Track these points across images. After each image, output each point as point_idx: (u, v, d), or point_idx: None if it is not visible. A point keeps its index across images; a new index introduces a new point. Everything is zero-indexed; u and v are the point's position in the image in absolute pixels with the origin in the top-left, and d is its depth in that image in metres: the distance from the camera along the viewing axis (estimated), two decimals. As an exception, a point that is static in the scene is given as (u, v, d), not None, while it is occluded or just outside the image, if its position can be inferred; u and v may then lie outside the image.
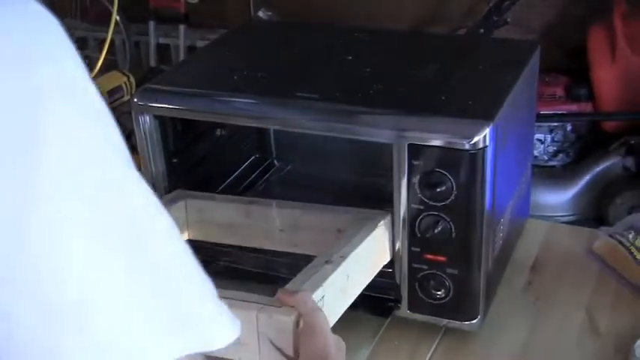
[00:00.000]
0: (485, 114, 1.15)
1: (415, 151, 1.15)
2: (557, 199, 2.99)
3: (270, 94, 1.29)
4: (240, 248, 1.36)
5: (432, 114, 1.18)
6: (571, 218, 2.96)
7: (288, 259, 1.33)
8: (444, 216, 1.18)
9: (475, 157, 1.13)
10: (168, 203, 1.29)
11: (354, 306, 1.31)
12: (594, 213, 2.92)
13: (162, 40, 3.91)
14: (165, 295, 0.62)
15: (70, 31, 0.63)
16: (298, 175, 1.63)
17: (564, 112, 2.95)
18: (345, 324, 1.32)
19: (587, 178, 2.95)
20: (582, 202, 2.96)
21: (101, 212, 0.58)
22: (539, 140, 3.01)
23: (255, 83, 1.33)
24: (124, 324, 0.59)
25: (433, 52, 1.46)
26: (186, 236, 1.34)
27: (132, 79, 1.73)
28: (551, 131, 3.00)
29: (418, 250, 1.23)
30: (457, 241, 1.19)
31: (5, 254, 0.54)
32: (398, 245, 1.24)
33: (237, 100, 1.29)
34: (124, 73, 1.75)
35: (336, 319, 1.11)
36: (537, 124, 2.92)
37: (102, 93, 1.65)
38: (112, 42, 3.30)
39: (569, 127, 3.00)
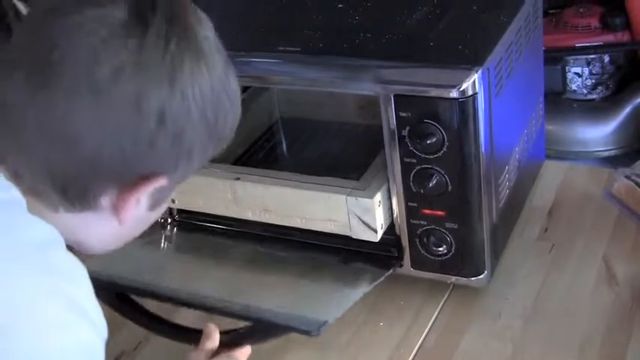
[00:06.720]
0: (473, 59, 1.08)
1: (402, 102, 1.08)
2: (600, 132, 2.89)
3: (252, 50, 1.22)
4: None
5: (418, 62, 1.11)
6: (615, 152, 2.86)
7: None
8: (437, 169, 1.11)
9: (465, 105, 1.06)
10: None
11: (355, 262, 1.26)
12: (638, 144, 2.81)
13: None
14: None
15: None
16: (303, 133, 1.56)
17: (601, 43, 2.82)
18: (345, 278, 1.27)
19: (628, 109, 2.83)
20: (625, 134, 2.85)
21: None
22: (577, 74, 2.89)
23: (238, 38, 1.26)
24: None
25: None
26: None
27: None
28: (588, 64, 2.88)
29: (415, 205, 1.16)
30: (454, 195, 1.13)
31: None
32: (395, 201, 1.18)
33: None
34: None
35: None
36: (574, 57, 2.84)
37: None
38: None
39: (606, 59, 2.87)
